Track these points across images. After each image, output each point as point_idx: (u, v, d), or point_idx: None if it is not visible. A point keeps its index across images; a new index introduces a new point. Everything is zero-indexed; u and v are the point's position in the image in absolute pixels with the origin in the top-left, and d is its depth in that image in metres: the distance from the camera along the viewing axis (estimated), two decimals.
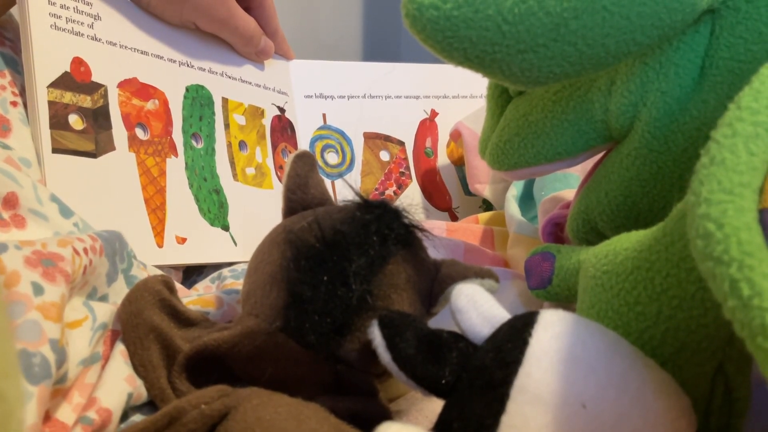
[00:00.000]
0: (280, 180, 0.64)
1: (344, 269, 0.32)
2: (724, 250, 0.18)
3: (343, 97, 0.72)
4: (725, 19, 0.32)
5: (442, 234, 0.58)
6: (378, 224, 0.34)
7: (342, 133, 0.71)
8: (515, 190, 0.61)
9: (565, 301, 0.37)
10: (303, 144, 0.69)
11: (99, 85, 0.50)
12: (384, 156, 0.72)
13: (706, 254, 0.19)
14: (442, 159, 0.75)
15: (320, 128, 0.71)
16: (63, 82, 0.47)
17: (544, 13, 0.27)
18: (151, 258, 0.47)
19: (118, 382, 0.32)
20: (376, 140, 0.72)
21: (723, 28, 0.32)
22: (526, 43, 0.28)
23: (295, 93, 0.71)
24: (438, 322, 0.34)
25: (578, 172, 0.56)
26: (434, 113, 0.76)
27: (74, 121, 0.47)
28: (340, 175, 0.69)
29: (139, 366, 0.34)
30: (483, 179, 0.67)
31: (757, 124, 0.21)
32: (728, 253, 0.18)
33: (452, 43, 0.28)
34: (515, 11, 0.27)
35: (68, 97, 0.47)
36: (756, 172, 0.20)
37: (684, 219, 0.26)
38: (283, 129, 0.67)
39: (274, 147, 0.65)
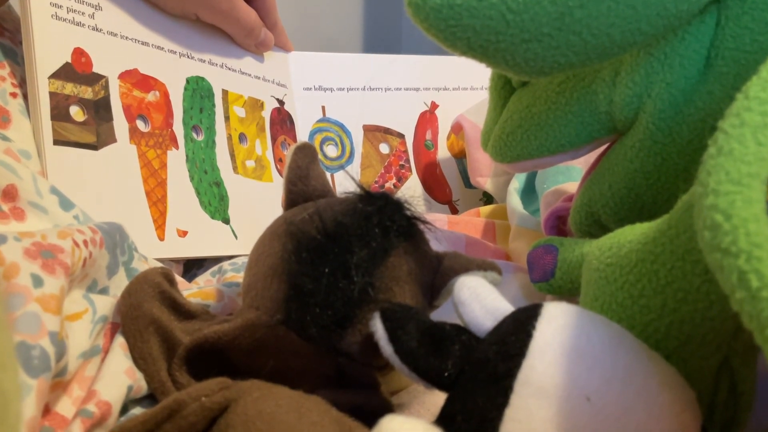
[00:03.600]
0: (279, 173, 0.64)
1: (346, 261, 0.32)
2: (732, 241, 0.18)
3: (343, 89, 0.72)
4: (731, 10, 0.32)
5: (443, 227, 0.58)
6: (380, 216, 0.33)
7: (341, 126, 0.71)
8: (517, 183, 0.60)
9: (568, 294, 0.37)
10: (302, 137, 0.69)
11: (100, 76, 0.50)
12: (384, 149, 0.72)
13: (713, 246, 0.19)
14: (443, 151, 0.74)
15: (319, 121, 0.70)
16: (64, 73, 0.47)
17: (548, 1, 0.27)
18: (152, 251, 0.47)
19: (118, 375, 0.32)
20: (375, 133, 0.72)
21: (729, 18, 0.32)
22: (530, 33, 0.28)
23: (294, 85, 0.70)
24: (440, 314, 0.34)
25: (581, 164, 0.56)
26: (434, 105, 0.75)
27: (75, 112, 0.47)
28: (340, 168, 0.69)
29: (138, 359, 0.33)
30: (485, 172, 0.67)
31: (765, 113, 0.20)
32: (736, 245, 0.18)
33: (455, 33, 0.28)
34: (520, 0, 0.27)
35: (69, 89, 0.47)
36: (764, 163, 0.19)
37: (690, 211, 0.26)
38: (283, 121, 0.67)
39: (274, 139, 0.65)
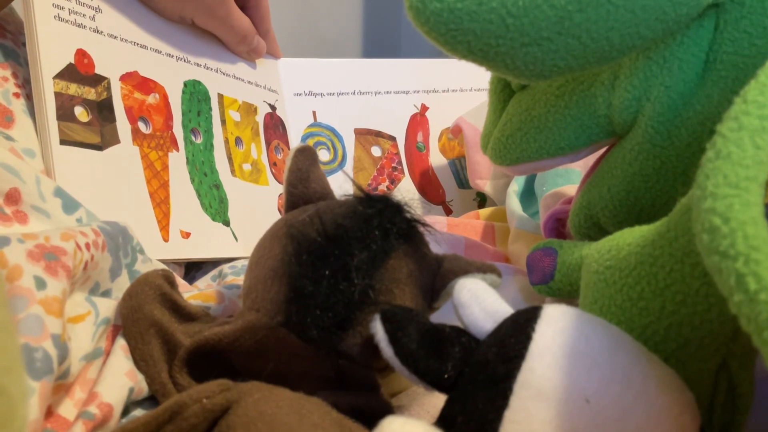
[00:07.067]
0: (274, 176, 0.64)
1: (346, 263, 0.32)
2: (731, 244, 0.18)
3: (333, 94, 0.73)
4: (730, 14, 0.32)
5: (443, 229, 0.58)
6: (380, 218, 0.34)
7: (333, 130, 0.71)
8: (516, 185, 0.61)
9: (567, 296, 0.37)
10: (294, 141, 0.69)
11: (102, 78, 0.50)
12: (376, 151, 0.72)
13: (711, 249, 0.19)
14: (434, 153, 0.75)
15: (311, 125, 0.71)
16: (68, 73, 0.47)
17: (548, 5, 0.27)
18: (157, 252, 0.48)
19: (119, 377, 0.32)
20: (367, 136, 0.72)
21: (727, 22, 0.32)
22: (530, 36, 0.28)
23: (285, 91, 0.71)
24: (440, 317, 0.34)
25: (580, 167, 0.56)
26: (424, 108, 0.76)
27: (80, 113, 0.47)
28: (332, 172, 0.69)
29: (140, 361, 0.34)
30: (484, 175, 0.67)
31: (763, 117, 0.20)
32: (734, 248, 0.18)
33: (456, 36, 0.28)
34: (519, 4, 0.27)
35: (73, 89, 0.47)
36: (762, 166, 0.20)
37: (688, 214, 0.26)
38: (275, 126, 0.68)
39: (268, 144, 0.66)
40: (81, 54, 0.49)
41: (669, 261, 0.27)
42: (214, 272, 0.52)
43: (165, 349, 0.34)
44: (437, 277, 0.35)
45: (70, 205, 0.40)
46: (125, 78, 0.52)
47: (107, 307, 0.35)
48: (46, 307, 0.29)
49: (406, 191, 0.71)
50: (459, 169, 0.74)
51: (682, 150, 0.33)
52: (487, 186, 0.67)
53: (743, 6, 0.31)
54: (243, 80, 0.65)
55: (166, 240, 0.50)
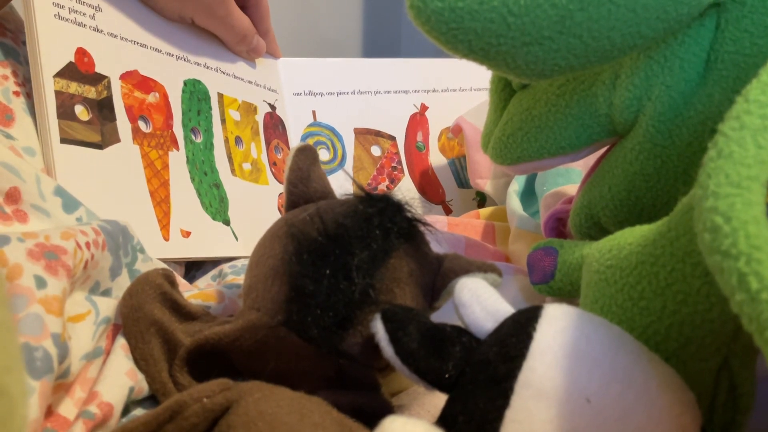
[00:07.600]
0: (274, 176, 0.64)
1: (347, 263, 0.32)
2: (732, 243, 0.18)
3: (333, 93, 0.73)
4: (731, 13, 0.32)
5: (443, 229, 0.58)
6: (380, 218, 0.34)
7: (332, 130, 0.71)
8: (517, 185, 0.61)
9: (568, 296, 0.37)
10: (294, 141, 0.69)
11: (102, 77, 0.50)
12: (375, 151, 0.72)
13: (713, 248, 0.19)
14: (434, 152, 0.75)
15: (310, 125, 0.71)
16: (68, 72, 0.47)
17: (549, 5, 0.27)
18: (158, 251, 0.48)
19: (120, 376, 0.32)
20: (367, 136, 0.72)
21: (728, 21, 0.32)
22: (531, 36, 0.28)
23: (285, 91, 0.71)
24: (441, 316, 0.34)
25: (581, 166, 0.56)
26: (424, 107, 0.76)
27: (80, 111, 0.47)
28: (332, 172, 0.69)
29: (140, 360, 0.34)
30: (484, 174, 0.67)
31: (765, 117, 0.20)
32: (736, 247, 0.18)
33: (457, 35, 0.28)
34: (521, 3, 0.27)
35: (74, 88, 0.47)
36: (764, 165, 0.20)
37: (689, 213, 0.26)
38: (275, 126, 0.68)
39: (268, 143, 0.66)
40: (81, 53, 0.49)
41: (670, 260, 0.26)
42: (215, 272, 0.52)
43: (165, 349, 0.34)
44: (438, 276, 0.35)
45: (70, 204, 0.40)
46: (125, 77, 0.52)
47: (107, 306, 0.35)
48: (46, 306, 0.29)
49: (406, 191, 0.71)
50: (459, 168, 0.74)
51: (683, 149, 0.33)
52: (487, 185, 0.67)
53: (744, 5, 0.31)
54: (243, 80, 0.65)
55: (166, 239, 0.50)
